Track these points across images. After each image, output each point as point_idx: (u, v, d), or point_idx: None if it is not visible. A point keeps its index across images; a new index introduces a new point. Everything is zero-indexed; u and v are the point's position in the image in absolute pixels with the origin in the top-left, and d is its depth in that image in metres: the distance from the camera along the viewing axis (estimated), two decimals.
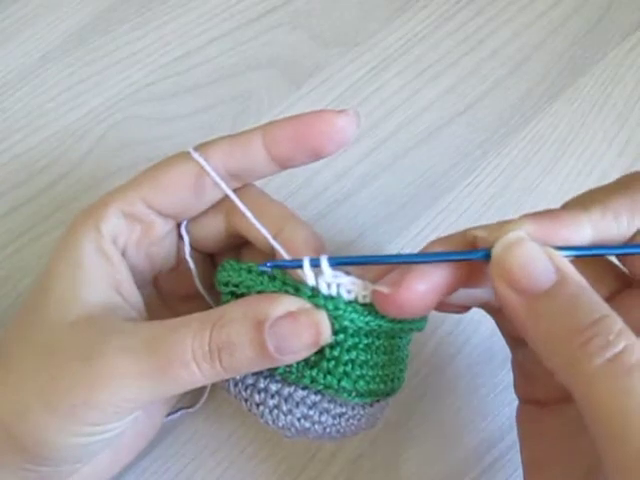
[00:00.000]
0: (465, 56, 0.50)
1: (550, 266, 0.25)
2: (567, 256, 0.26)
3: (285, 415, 0.30)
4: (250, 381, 0.31)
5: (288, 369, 0.30)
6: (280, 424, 0.31)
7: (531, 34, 0.51)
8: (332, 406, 0.30)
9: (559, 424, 0.32)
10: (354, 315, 0.28)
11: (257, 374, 0.31)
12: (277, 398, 0.30)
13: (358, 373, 0.29)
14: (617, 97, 0.49)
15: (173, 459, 0.38)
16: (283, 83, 0.48)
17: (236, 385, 0.32)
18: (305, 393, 0.30)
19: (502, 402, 0.40)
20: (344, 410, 0.31)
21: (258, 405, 0.31)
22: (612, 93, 0.49)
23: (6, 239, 0.43)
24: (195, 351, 0.27)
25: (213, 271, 0.34)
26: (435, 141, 0.47)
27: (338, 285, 0.28)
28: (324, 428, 0.31)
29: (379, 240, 0.44)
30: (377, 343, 0.30)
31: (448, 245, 0.28)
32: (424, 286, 0.27)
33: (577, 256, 0.26)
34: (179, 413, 0.38)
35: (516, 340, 0.34)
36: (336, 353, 0.29)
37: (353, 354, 0.29)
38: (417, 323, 0.31)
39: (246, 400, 0.31)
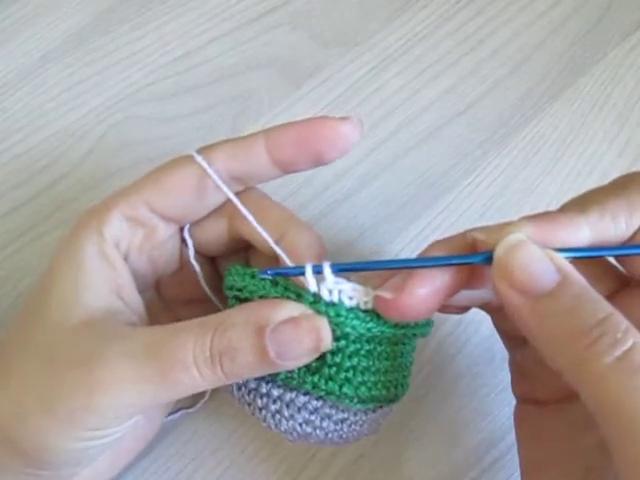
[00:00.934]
0: (465, 56, 0.50)
1: (552, 267, 0.25)
2: (566, 258, 0.26)
3: (287, 420, 0.30)
4: (253, 385, 0.31)
5: (290, 375, 0.30)
6: (282, 429, 0.31)
7: (531, 34, 0.51)
8: (334, 412, 0.30)
9: (557, 424, 0.32)
10: (356, 322, 0.28)
11: (259, 379, 0.31)
12: (279, 403, 0.30)
13: (360, 379, 0.29)
14: (617, 97, 0.49)
15: (173, 459, 0.38)
16: (283, 83, 0.48)
17: (239, 389, 0.32)
18: (307, 399, 0.30)
19: (502, 402, 0.40)
20: (346, 416, 0.31)
21: (260, 409, 0.31)
22: (612, 93, 0.49)
23: (6, 239, 0.43)
24: (196, 356, 0.27)
25: (215, 274, 0.34)
26: (435, 141, 0.47)
27: (340, 291, 0.28)
28: (326, 433, 0.31)
29: (379, 240, 0.44)
30: (379, 349, 0.30)
31: (448, 248, 0.28)
32: (426, 290, 0.27)
33: (576, 258, 0.26)
34: (179, 413, 0.38)
35: (514, 340, 0.34)
36: (338, 359, 0.29)
37: (355, 360, 0.29)
38: (421, 329, 0.31)
39: (249, 404, 0.31)
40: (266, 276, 0.29)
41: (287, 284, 0.29)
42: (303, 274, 0.28)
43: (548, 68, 0.50)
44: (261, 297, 0.30)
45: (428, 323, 0.32)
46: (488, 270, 0.27)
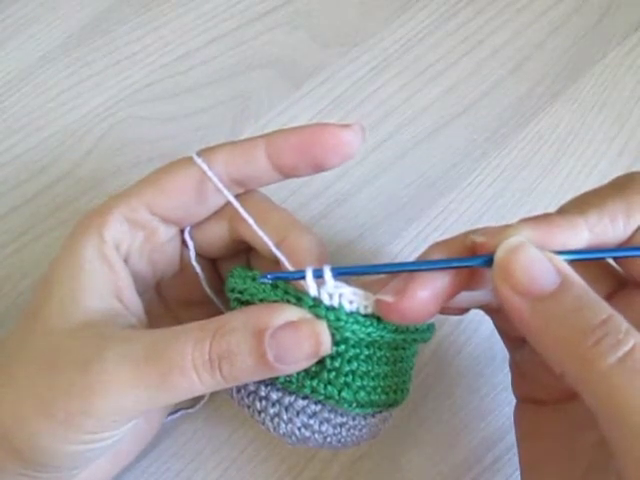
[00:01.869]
0: (465, 56, 0.50)
1: (552, 269, 0.25)
2: (565, 260, 0.26)
3: (286, 424, 0.30)
4: (252, 388, 0.31)
5: (289, 378, 0.30)
6: (281, 432, 0.31)
7: (531, 34, 0.51)
8: (333, 416, 0.30)
9: (557, 423, 0.32)
10: (355, 326, 0.28)
11: (259, 382, 0.31)
12: (278, 407, 0.30)
13: (359, 384, 0.29)
14: (617, 97, 0.49)
15: (173, 459, 0.38)
16: (283, 83, 0.48)
17: (238, 391, 0.32)
18: (305, 403, 0.30)
19: (502, 402, 0.40)
20: (345, 420, 0.31)
21: (259, 412, 0.31)
22: (612, 93, 0.49)
23: (6, 239, 0.43)
24: (195, 360, 0.27)
25: (216, 276, 0.34)
26: (435, 141, 0.47)
27: (340, 296, 0.28)
28: (325, 437, 0.31)
29: (379, 240, 0.44)
30: (379, 354, 0.30)
31: (447, 250, 0.28)
32: (427, 293, 0.27)
33: (575, 260, 0.26)
34: (179, 413, 0.38)
35: (514, 340, 0.34)
36: (337, 364, 0.29)
37: (354, 365, 0.29)
38: (421, 334, 0.31)
39: (248, 407, 0.31)
40: (266, 280, 0.29)
41: (287, 288, 0.29)
42: (303, 278, 0.28)
43: (548, 68, 0.50)
44: (261, 300, 0.30)
45: (429, 328, 0.32)
46: (488, 272, 0.27)
